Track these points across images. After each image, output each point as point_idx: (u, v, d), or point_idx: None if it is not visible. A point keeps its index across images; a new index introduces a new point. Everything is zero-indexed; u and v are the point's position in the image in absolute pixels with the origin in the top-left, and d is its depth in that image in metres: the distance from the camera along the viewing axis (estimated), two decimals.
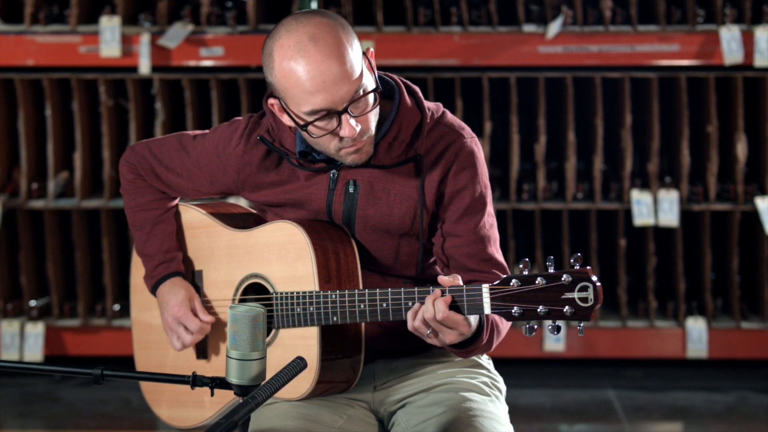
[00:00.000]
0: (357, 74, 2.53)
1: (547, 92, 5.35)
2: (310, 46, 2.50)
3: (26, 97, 5.41)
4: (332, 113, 2.53)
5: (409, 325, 2.53)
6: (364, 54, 2.59)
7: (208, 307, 2.92)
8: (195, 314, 2.87)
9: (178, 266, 2.93)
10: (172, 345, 2.90)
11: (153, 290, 2.94)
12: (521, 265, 2.43)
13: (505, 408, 2.78)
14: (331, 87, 2.50)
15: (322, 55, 2.50)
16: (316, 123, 2.55)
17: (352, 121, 2.54)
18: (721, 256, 5.45)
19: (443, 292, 2.48)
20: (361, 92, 2.54)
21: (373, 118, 2.60)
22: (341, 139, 2.57)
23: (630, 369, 5.54)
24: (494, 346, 2.68)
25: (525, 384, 5.35)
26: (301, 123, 2.57)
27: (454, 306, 2.48)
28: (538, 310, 2.39)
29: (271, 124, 2.75)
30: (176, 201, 2.99)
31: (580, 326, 2.41)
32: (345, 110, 2.53)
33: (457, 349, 2.60)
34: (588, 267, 2.38)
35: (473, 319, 2.51)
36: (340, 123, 2.54)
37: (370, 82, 2.57)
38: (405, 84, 2.73)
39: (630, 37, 5.24)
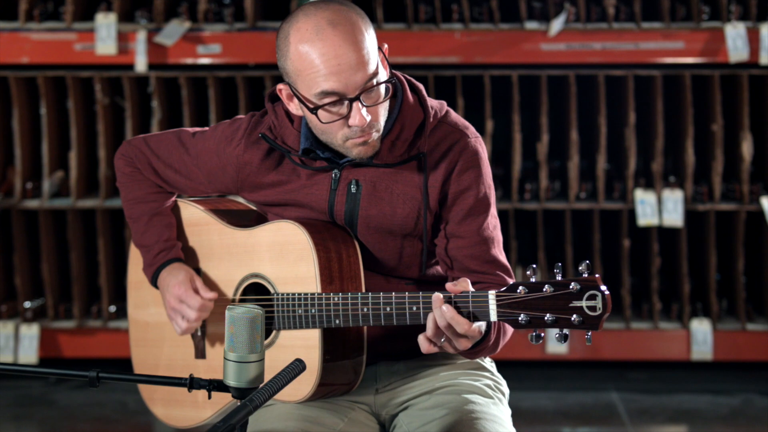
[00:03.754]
0: (372, 64, 2.52)
1: (550, 90, 5.33)
2: (329, 30, 2.50)
3: (21, 96, 5.39)
4: (344, 99, 2.52)
5: (423, 348, 2.49)
6: (380, 48, 2.58)
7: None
8: (197, 292, 2.82)
9: (177, 253, 2.90)
10: (176, 328, 2.85)
11: (153, 279, 2.90)
12: (528, 272, 2.41)
13: (508, 411, 2.77)
14: (346, 71, 2.50)
15: (340, 39, 2.49)
16: (327, 107, 2.54)
17: (363, 110, 2.52)
18: (726, 257, 5.43)
19: (448, 299, 2.44)
20: (375, 82, 2.53)
21: (383, 111, 2.59)
22: (350, 128, 2.55)
23: (634, 371, 5.53)
24: (500, 347, 2.66)
25: (528, 386, 5.33)
26: (311, 106, 2.55)
27: (461, 314, 2.45)
28: (545, 318, 2.37)
29: (274, 122, 2.73)
30: (174, 196, 2.97)
31: (588, 335, 2.38)
32: (357, 98, 2.52)
33: (464, 351, 2.56)
34: (597, 275, 2.36)
35: (482, 323, 2.49)
36: (350, 110, 2.53)
37: (383, 74, 2.57)
38: (408, 81, 2.72)
39: (634, 35, 5.22)
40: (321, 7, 2.53)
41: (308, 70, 2.51)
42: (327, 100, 2.52)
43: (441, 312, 2.43)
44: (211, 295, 2.82)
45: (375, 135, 2.58)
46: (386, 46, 2.62)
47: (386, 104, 2.59)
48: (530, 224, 5.51)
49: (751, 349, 5.34)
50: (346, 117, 2.54)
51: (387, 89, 2.57)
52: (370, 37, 2.53)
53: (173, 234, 2.91)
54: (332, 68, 2.49)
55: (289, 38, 2.54)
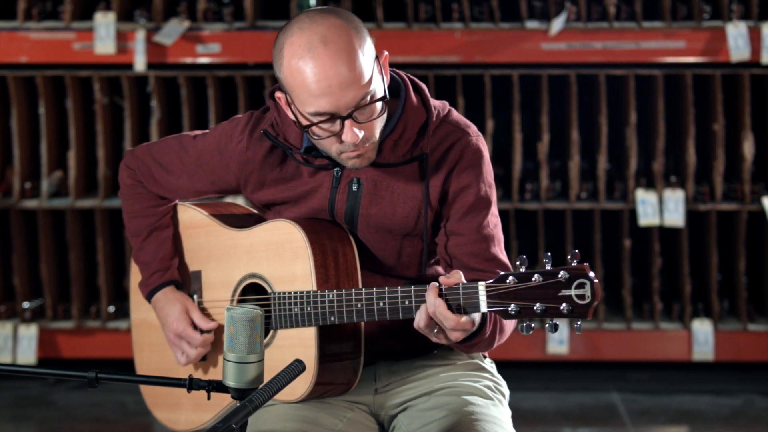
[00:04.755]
0: (365, 80, 2.49)
1: (551, 90, 5.31)
2: (320, 48, 2.46)
3: (19, 95, 5.37)
4: (336, 117, 2.50)
5: (416, 324, 2.49)
6: (377, 58, 2.55)
7: (207, 308, 2.89)
8: (195, 326, 2.86)
9: (173, 275, 2.92)
10: (177, 360, 2.89)
11: (148, 298, 2.94)
12: (518, 262, 2.40)
13: (508, 412, 2.76)
14: (336, 92, 2.47)
15: (331, 58, 2.46)
16: (320, 125, 2.52)
17: (356, 128, 2.51)
18: (727, 257, 5.42)
19: (440, 288, 2.44)
20: (368, 99, 2.51)
21: (379, 125, 2.57)
22: (343, 143, 2.54)
23: (635, 372, 5.52)
24: (497, 343, 2.65)
25: (528, 387, 5.32)
26: (305, 123, 2.54)
27: (450, 306, 2.44)
28: (535, 308, 2.36)
29: (276, 119, 2.72)
30: (173, 203, 2.97)
31: (577, 324, 2.37)
32: (349, 116, 2.50)
33: (459, 344, 2.55)
34: (585, 263, 2.35)
35: (477, 315, 2.47)
36: (343, 127, 2.51)
37: (379, 88, 2.54)
38: (412, 81, 2.70)
39: (635, 34, 5.20)
40: (316, 21, 2.49)
41: (300, 88, 2.49)
42: (319, 119, 2.51)
43: (432, 302, 2.42)
44: (211, 325, 2.84)
45: (370, 147, 2.57)
46: (386, 53, 2.59)
47: (382, 118, 2.57)
48: (531, 224, 5.49)
49: (753, 350, 5.32)
50: (339, 133, 2.52)
51: (382, 106, 2.55)
52: (364, 53, 2.50)
53: (169, 250, 2.92)
54: (323, 89, 2.46)
55: (283, 52, 2.51)
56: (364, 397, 2.76)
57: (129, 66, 5.29)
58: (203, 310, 2.89)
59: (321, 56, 2.46)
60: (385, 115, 2.57)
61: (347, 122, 2.50)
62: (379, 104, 2.53)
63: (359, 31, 2.51)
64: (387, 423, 2.77)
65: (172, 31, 5.22)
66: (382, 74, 2.55)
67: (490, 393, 2.73)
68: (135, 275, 3.05)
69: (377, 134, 2.56)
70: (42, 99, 5.35)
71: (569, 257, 2.35)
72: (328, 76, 2.46)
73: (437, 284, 2.44)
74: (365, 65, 2.49)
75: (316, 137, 2.56)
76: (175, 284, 2.92)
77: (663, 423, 4.97)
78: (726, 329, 5.32)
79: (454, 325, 2.42)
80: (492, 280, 2.40)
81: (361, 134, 2.51)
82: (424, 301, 2.46)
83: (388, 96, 2.56)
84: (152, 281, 2.91)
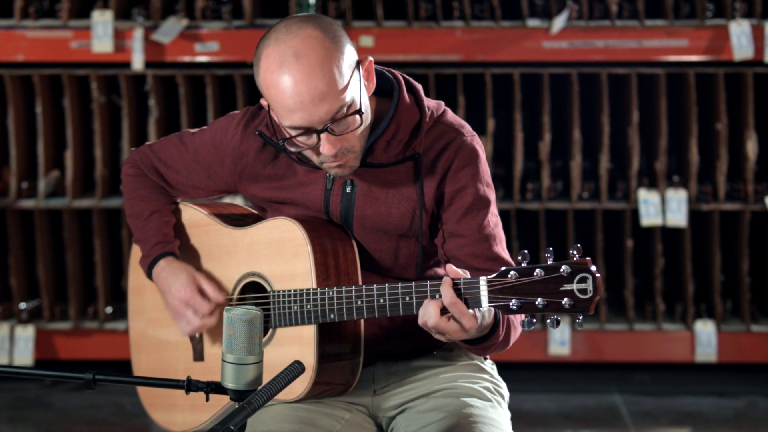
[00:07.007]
0: (339, 94, 2.48)
1: (552, 89, 5.30)
2: (293, 63, 2.46)
3: (16, 94, 5.36)
4: (311, 131, 2.50)
5: (420, 321, 2.47)
6: (359, 66, 2.53)
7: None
8: (203, 295, 2.79)
9: (174, 249, 2.87)
10: (180, 330, 2.82)
11: (149, 270, 2.87)
12: (520, 257, 2.39)
13: (507, 414, 2.75)
14: (309, 107, 2.46)
15: (302, 74, 2.45)
16: (297, 138, 2.52)
17: (333, 140, 2.50)
18: (730, 257, 5.40)
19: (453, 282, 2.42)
20: (344, 111, 2.49)
21: (359, 135, 2.55)
22: (321, 154, 2.54)
23: (637, 373, 5.50)
24: (512, 342, 2.64)
25: (529, 389, 5.31)
26: (283, 136, 2.55)
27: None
28: (537, 302, 2.35)
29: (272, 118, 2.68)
30: (175, 202, 2.97)
31: (579, 319, 2.35)
32: (324, 129, 2.49)
33: (472, 345, 2.55)
34: (587, 258, 2.34)
35: (479, 313, 2.45)
36: (319, 141, 2.50)
37: (357, 99, 2.51)
38: (406, 81, 2.69)
39: (637, 32, 5.18)
40: (292, 32, 2.48)
41: (275, 102, 2.50)
42: (295, 132, 2.51)
43: (449, 294, 2.39)
44: (221, 297, 2.78)
45: (351, 156, 2.56)
46: (370, 58, 2.57)
47: (361, 128, 2.54)
48: (532, 224, 5.47)
49: (756, 351, 5.31)
50: (316, 146, 2.52)
51: (360, 116, 2.52)
52: (339, 65, 2.48)
53: (171, 231, 2.89)
54: (296, 104, 2.46)
55: (260, 63, 2.52)
56: (363, 399, 2.75)
57: (127, 65, 5.27)
58: None
59: (293, 71, 2.45)
60: (363, 126, 2.54)
61: (323, 135, 2.49)
62: (357, 116, 2.51)
63: (336, 41, 2.49)
64: (385, 424, 2.76)
65: (170, 29, 5.21)
66: (361, 84, 2.53)
67: (489, 395, 2.72)
68: (132, 276, 3.04)
69: (358, 145, 2.55)
70: (39, 98, 5.33)
71: (571, 251, 2.34)
72: (300, 91, 2.45)
73: (450, 279, 2.41)
74: (340, 78, 2.47)
75: (292, 150, 2.56)
76: (176, 257, 2.86)
77: (665, 425, 4.97)
78: (729, 330, 5.30)
79: (471, 325, 2.40)
80: (494, 275, 2.38)
81: (337, 147, 2.51)
82: (425, 298, 2.45)
83: (363, 110, 2.52)
84: (154, 252, 2.85)
